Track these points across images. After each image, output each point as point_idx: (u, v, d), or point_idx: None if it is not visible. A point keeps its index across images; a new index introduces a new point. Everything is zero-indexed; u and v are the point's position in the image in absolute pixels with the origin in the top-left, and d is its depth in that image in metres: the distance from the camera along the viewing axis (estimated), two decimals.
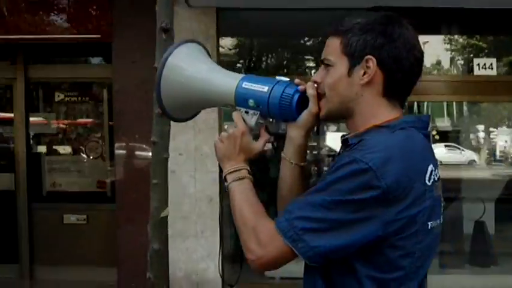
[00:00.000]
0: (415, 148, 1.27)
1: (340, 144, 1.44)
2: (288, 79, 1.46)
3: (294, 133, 1.44)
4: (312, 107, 1.40)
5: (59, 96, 5.99)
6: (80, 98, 6.01)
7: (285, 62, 6.77)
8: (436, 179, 1.29)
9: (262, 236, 1.27)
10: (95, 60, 6.14)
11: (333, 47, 1.36)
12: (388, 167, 1.19)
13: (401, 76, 1.32)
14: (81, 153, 5.92)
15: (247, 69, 6.25)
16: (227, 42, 6.04)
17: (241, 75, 1.48)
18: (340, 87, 1.35)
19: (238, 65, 6.30)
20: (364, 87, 1.33)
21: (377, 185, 1.17)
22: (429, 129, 1.38)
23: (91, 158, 5.83)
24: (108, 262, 5.36)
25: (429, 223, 1.28)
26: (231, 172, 1.43)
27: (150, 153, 2.78)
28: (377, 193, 1.18)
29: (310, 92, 1.39)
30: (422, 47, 1.35)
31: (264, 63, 6.55)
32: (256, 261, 1.28)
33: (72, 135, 6.07)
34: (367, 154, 1.20)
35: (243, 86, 1.45)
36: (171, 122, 2.67)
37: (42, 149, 6.01)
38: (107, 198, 5.62)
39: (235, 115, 1.46)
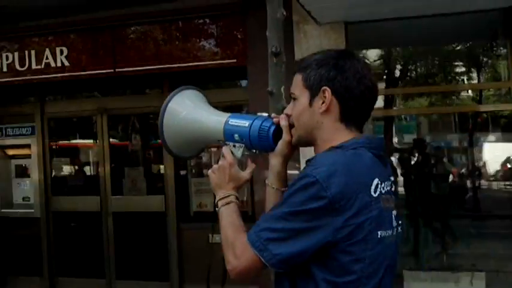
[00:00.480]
0: (359, 164, 1.45)
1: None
2: (266, 114, 1.71)
3: (274, 161, 1.66)
4: (284, 136, 1.62)
5: None
6: None
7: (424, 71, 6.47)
8: (383, 192, 1.47)
9: (237, 249, 1.48)
10: (232, 84, 6.37)
11: (297, 82, 1.60)
12: (332, 179, 1.39)
13: (353, 103, 1.53)
14: None
15: (387, 80, 6.07)
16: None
17: (228, 114, 1.72)
18: (304, 117, 1.58)
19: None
20: (323, 115, 1.56)
21: (324, 195, 1.38)
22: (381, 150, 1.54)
23: None
24: (253, 280, 5.46)
25: (378, 232, 1.44)
26: (221, 199, 1.66)
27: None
28: (324, 203, 1.38)
29: (283, 123, 1.63)
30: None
31: (402, 73, 6.31)
32: (232, 271, 1.50)
33: (216, 157, 6.30)
34: (315, 169, 1.42)
35: (230, 123, 1.70)
36: None
37: (188, 171, 6.31)
38: (249, 217, 5.75)
39: (224, 149, 1.70)
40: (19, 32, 6.40)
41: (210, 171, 1.71)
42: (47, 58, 6.20)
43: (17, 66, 6.29)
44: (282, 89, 2.59)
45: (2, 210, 7.13)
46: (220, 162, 1.69)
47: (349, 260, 1.41)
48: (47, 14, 6.21)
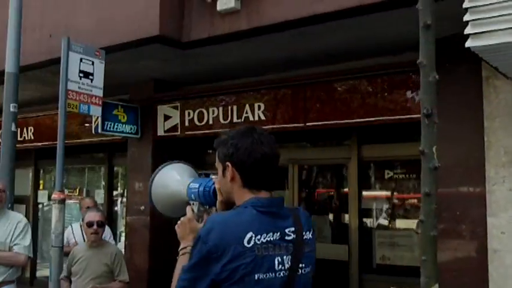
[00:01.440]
0: (236, 221, 1.94)
1: None
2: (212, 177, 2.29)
3: None
4: (218, 196, 2.17)
5: (388, 174, 6.49)
6: (407, 175, 6.43)
7: None
8: (260, 242, 1.91)
9: None
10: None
11: (216, 157, 2.15)
12: (209, 235, 1.89)
13: (248, 173, 2.03)
14: (410, 229, 6.28)
15: None
16: None
17: (191, 179, 2.38)
18: (222, 185, 2.13)
19: None
20: (231, 183, 2.07)
21: (203, 248, 1.89)
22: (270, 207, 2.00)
23: (419, 233, 6.11)
24: None
25: (256, 275, 1.88)
26: (181, 249, 2.19)
27: None
28: (204, 254, 1.89)
29: (216, 186, 2.18)
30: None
31: None
32: None
33: (400, 210, 6.49)
34: (202, 228, 1.97)
35: (189, 186, 2.32)
36: None
37: (372, 222, 6.58)
38: None
39: (187, 207, 2.29)
40: (221, 90, 7.37)
41: (176, 225, 2.27)
42: (246, 112, 6.99)
43: (221, 120, 7.20)
44: (434, 149, 2.84)
45: None
46: (182, 219, 2.26)
47: None
48: (245, 73, 7.13)
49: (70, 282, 5.12)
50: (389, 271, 6.60)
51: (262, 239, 1.93)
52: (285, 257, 1.97)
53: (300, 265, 2.02)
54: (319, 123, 6.67)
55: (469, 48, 4.17)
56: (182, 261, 2.09)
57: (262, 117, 7.09)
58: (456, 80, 5.57)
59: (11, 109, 6.10)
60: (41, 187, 11.27)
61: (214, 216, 2.03)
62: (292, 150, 7.78)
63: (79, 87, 5.67)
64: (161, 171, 2.49)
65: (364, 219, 6.97)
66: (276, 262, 1.94)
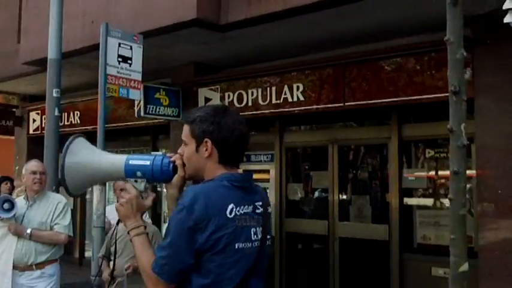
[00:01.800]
0: (217, 192, 2.01)
1: None
2: (161, 153, 2.26)
3: (172, 191, 2.20)
4: (180, 172, 2.16)
5: (429, 153, 6.44)
6: (448, 154, 6.30)
7: None
8: (239, 213, 2.01)
9: (152, 278, 2.01)
10: None
11: (186, 131, 2.16)
12: (195, 206, 1.95)
13: (228, 150, 2.10)
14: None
15: None
16: None
17: (124, 156, 2.25)
18: (193, 160, 2.14)
19: None
20: (206, 159, 2.11)
21: (190, 218, 1.94)
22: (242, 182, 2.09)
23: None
24: None
25: (236, 244, 1.99)
26: (132, 228, 2.16)
27: None
28: (190, 225, 1.94)
29: (179, 162, 2.16)
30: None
31: None
32: None
33: (441, 190, 6.43)
34: (183, 199, 2.00)
35: (130, 163, 2.20)
36: None
37: (413, 202, 6.55)
38: (473, 253, 5.72)
39: (127, 185, 2.21)
40: (261, 72, 7.43)
41: (117, 204, 2.21)
42: (285, 93, 7.05)
43: (260, 101, 7.26)
44: (463, 126, 2.84)
45: None
46: (127, 196, 2.18)
47: (213, 265, 1.97)
48: (283, 54, 7.16)
49: (109, 261, 5.28)
50: (430, 251, 6.56)
51: (241, 210, 2.04)
52: (257, 228, 2.09)
53: (268, 236, 2.14)
54: (359, 102, 6.65)
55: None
56: (140, 241, 2.12)
57: (301, 98, 7.11)
58: (498, 55, 5.48)
59: (54, 94, 6.30)
60: None
61: (196, 187, 2.05)
62: (332, 131, 7.78)
63: (118, 72, 5.82)
64: (74, 147, 2.32)
65: (405, 199, 6.91)
66: (252, 232, 2.06)
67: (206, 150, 2.10)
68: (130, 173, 2.20)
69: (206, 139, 2.09)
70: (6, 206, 4.73)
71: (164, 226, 8.60)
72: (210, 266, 1.97)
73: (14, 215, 4.73)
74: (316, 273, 7.71)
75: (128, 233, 2.17)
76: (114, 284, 4.86)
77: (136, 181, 2.22)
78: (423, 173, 6.82)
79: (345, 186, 7.62)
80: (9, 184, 8.00)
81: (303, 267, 7.91)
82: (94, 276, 5.62)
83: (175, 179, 2.17)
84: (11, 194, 7.92)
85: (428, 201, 6.86)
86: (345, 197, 7.54)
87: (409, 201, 6.94)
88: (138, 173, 2.19)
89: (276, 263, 7.95)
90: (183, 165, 2.16)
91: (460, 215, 3.08)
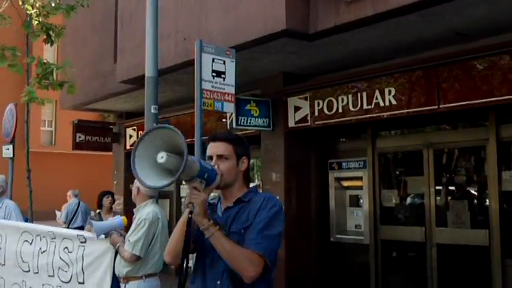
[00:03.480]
0: None
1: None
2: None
3: (206, 194, 2.56)
4: (218, 180, 2.63)
5: None
6: None
7: None
8: None
9: (255, 260, 2.52)
10: None
11: (228, 149, 2.73)
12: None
13: (249, 169, 2.84)
14: None
15: None
16: None
17: (194, 157, 2.49)
18: (232, 173, 2.74)
19: None
20: (240, 172, 2.77)
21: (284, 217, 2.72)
22: None
23: None
24: None
25: None
26: (212, 225, 2.52)
27: None
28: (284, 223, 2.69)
29: (219, 172, 2.64)
30: None
31: None
32: (253, 276, 2.50)
33: None
34: (277, 202, 2.70)
35: (203, 165, 2.51)
36: None
37: None
38: None
39: (198, 185, 2.50)
40: (351, 77, 7.54)
41: (195, 204, 2.49)
42: (376, 98, 7.14)
43: (351, 107, 7.39)
44: None
45: (337, 236, 8.30)
46: (203, 197, 2.50)
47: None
48: (372, 59, 7.24)
49: None
50: None
51: None
52: None
53: None
54: (455, 104, 6.56)
55: None
56: (222, 234, 2.53)
57: (394, 102, 7.11)
58: None
59: (152, 110, 6.67)
60: (182, 182, 12.11)
61: (270, 194, 2.81)
62: (426, 134, 7.73)
63: (212, 86, 6.10)
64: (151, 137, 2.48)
65: (505, 202, 6.76)
66: None
67: (242, 165, 2.77)
68: (202, 173, 2.50)
69: (244, 157, 2.78)
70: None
71: None
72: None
73: (100, 235, 5.06)
74: (413, 282, 7.65)
75: (207, 229, 2.51)
76: None
77: (201, 182, 2.51)
78: None
79: (442, 190, 7.52)
80: (110, 198, 8.51)
81: (400, 275, 7.88)
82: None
83: (214, 185, 2.62)
84: (112, 207, 8.48)
85: None
86: (441, 202, 7.46)
87: (510, 204, 6.79)
88: (206, 175, 2.52)
89: (372, 271, 7.97)
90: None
91: None
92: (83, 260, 5.17)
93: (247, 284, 2.53)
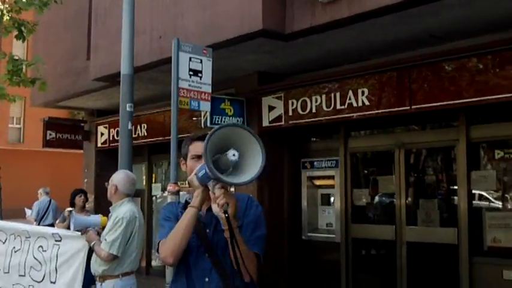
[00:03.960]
0: None
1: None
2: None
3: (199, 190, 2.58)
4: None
5: (498, 154, 6.45)
6: None
7: None
8: None
9: (254, 261, 2.58)
10: None
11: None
12: None
13: None
14: None
15: None
16: None
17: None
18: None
19: None
20: None
21: None
22: None
23: None
24: None
25: None
26: (238, 226, 2.53)
27: None
28: None
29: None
30: None
31: None
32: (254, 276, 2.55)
33: (511, 191, 6.42)
34: (254, 200, 2.76)
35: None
36: None
37: (482, 204, 6.63)
38: None
39: (225, 185, 2.45)
40: (324, 78, 7.60)
41: (229, 201, 2.42)
42: (349, 99, 7.21)
43: (324, 107, 7.44)
44: None
45: (309, 234, 8.35)
46: (234, 199, 2.44)
47: None
48: (347, 60, 7.33)
49: None
50: (501, 253, 6.51)
51: None
52: None
53: None
54: (426, 105, 6.67)
55: None
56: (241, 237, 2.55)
57: (367, 103, 7.18)
58: None
59: (127, 108, 6.61)
60: (153, 180, 12.06)
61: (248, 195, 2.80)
62: (398, 134, 7.83)
63: (189, 85, 6.09)
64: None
65: (474, 201, 6.89)
66: None
67: None
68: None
69: None
70: (72, 220, 5.02)
71: None
72: None
73: (80, 230, 4.98)
74: (384, 279, 7.75)
75: (234, 229, 2.44)
76: None
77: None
78: (492, 174, 6.78)
79: (412, 190, 7.63)
80: (83, 197, 8.37)
81: (370, 273, 7.97)
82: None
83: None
84: (84, 206, 8.35)
85: (498, 203, 6.82)
86: (411, 201, 7.56)
87: (478, 203, 6.92)
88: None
89: (342, 269, 8.04)
90: None
91: None
92: (56, 258, 5.13)
93: (240, 280, 2.50)
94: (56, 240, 5.19)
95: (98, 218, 5.16)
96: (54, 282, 5.08)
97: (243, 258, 2.43)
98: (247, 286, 2.55)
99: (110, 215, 4.93)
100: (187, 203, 2.68)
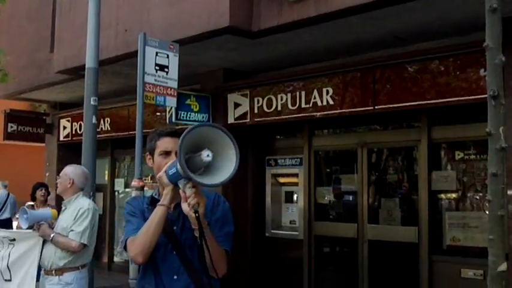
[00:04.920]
0: None
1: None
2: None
3: (171, 187, 2.49)
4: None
5: (458, 155, 6.52)
6: (478, 156, 6.45)
7: None
8: None
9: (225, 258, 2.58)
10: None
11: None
12: None
13: None
14: (481, 210, 6.29)
15: None
16: None
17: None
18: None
19: None
20: None
21: None
22: None
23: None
24: None
25: None
26: (208, 224, 2.50)
27: None
28: None
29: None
30: None
31: None
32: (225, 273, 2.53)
33: (470, 192, 6.50)
34: (221, 197, 2.73)
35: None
36: None
37: (442, 204, 6.81)
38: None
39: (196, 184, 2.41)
40: (290, 76, 7.58)
41: (200, 201, 2.38)
42: (314, 98, 7.19)
43: (289, 106, 7.43)
44: (501, 129, 2.95)
45: (272, 231, 8.33)
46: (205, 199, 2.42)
47: None
48: (313, 59, 7.33)
49: None
50: (460, 252, 6.64)
51: None
52: None
53: None
54: (389, 105, 6.74)
55: None
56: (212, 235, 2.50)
57: (331, 102, 7.23)
58: None
59: (92, 102, 6.50)
60: (116, 175, 11.89)
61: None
62: (361, 134, 7.90)
63: (155, 80, 6.02)
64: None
65: (434, 201, 6.99)
66: None
67: None
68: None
69: None
70: (25, 216, 4.91)
71: None
72: None
73: (33, 225, 4.88)
74: (345, 276, 7.82)
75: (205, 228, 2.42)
76: None
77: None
78: (452, 175, 6.89)
79: (374, 189, 7.72)
80: (44, 190, 8.19)
81: (332, 270, 8.04)
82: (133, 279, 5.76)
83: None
84: (46, 200, 8.16)
85: (457, 204, 6.93)
86: (373, 199, 7.66)
87: (438, 203, 7.03)
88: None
89: (305, 266, 8.09)
90: None
91: (498, 216, 3.18)
92: (9, 257, 5.05)
93: (207, 277, 2.47)
94: (10, 240, 5.12)
95: (48, 211, 5.14)
96: (9, 280, 5.01)
97: (211, 257, 2.39)
98: (212, 282, 2.51)
99: (63, 208, 4.92)
100: (154, 198, 2.65)
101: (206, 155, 2.27)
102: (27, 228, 5.01)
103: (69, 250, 4.69)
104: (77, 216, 4.73)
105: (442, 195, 7.04)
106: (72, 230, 4.70)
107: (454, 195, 6.95)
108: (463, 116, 6.81)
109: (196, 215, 2.31)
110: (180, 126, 7.86)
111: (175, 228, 2.59)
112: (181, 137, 2.23)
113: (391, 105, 6.74)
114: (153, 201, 2.62)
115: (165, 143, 2.62)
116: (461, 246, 6.65)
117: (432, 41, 6.59)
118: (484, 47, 2.96)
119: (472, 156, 6.78)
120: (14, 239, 5.11)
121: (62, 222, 4.81)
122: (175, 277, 2.56)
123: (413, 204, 7.25)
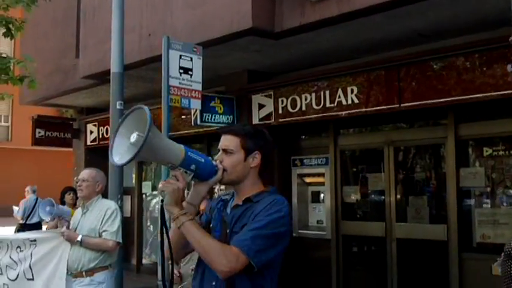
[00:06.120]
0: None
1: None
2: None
3: (203, 188, 2.46)
4: (219, 175, 2.43)
5: (487, 151, 6.49)
6: (507, 152, 6.40)
7: None
8: None
9: (229, 255, 2.27)
10: None
11: (234, 142, 2.47)
12: (291, 214, 2.45)
13: (267, 164, 2.55)
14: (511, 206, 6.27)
15: None
16: None
17: (181, 145, 2.35)
18: (239, 168, 2.48)
19: None
20: (251, 169, 2.50)
21: (287, 224, 2.40)
22: None
23: None
24: None
25: None
26: (183, 214, 2.34)
27: None
28: (286, 229, 2.40)
29: (220, 167, 2.44)
30: None
31: None
32: (227, 272, 2.28)
33: (500, 188, 6.45)
34: (284, 207, 2.40)
35: (189, 155, 2.33)
36: None
37: (471, 201, 6.63)
38: None
39: (179, 173, 2.33)
40: (314, 76, 7.61)
41: (169, 189, 2.32)
42: (339, 97, 7.20)
43: (314, 105, 7.45)
44: None
45: (299, 231, 8.36)
46: (180, 185, 2.32)
47: (279, 263, 2.48)
48: (336, 58, 7.37)
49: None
50: (490, 249, 6.53)
51: None
52: None
53: None
54: (415, 103, 6.71)
55: None
56: (196, 225, 2.36)
57: (356, 101, 7.21)
58: None
59: (118, 107, 6.58)
60: (143, 178, 12.02)
61: (285, 200, 2.47)
62: (387, 132, 7.88)
63: (180, 83, 6.09)
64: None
65: (463, 198, 6.95)
66: None
67: (253, 161, 2.50)
68: (186, 163, 2.34)
69: (257, 152, 2.50)
70: (48, 209, 5.02)
71: None
72: (278, 263, 2.47)
73: (54, 217, 5.01)
74: (374, 276, 7.81)
75: (177, 218, 2.34)
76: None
77: (186, 172, 2.35)
78: (481, 171, 6.83)
79: (402, 187, 7.69)
80: (72, 194, 8.34)
81: (360, 269, 8.02)
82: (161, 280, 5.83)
83: (214, 180, 2.44)
84: (75, 204, 8.31)
85: (487, 200, 6.87)
86: (401, 198, 7.62)
87: (467, 200, 6.97)
88: (193, 166, 2.35)
89: (333, 266, 8.08)
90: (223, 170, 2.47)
91: None
92: (31, 257, 5.16)
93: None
94: (31, 241, 5.24)
95: (68, 209, 5.33)
96: (32, 279, 5.11)
97: (170, 246, 2.41)
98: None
99: (85, 210, 5.05)
100: (222, 200, 2.64)
101: (132, 137, 2.25)
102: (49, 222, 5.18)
103: (106, 250, 4.87)
104: (105, 216, 4.90)
105: (471, 192, 6.99)
106: (105, 231, 4.86)
107: (483, 191, 6.89)
108: (490, 112, 6.73)
109: (161, 203, 2.35)
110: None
111: (227, 231, 2.49)
112: (118, 125, 2.35)
113: (417, 103, 6.69)
114: (221, 202, 2.62)
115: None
116: (491, 244, 6.57)
117: (457, 38, 6.53)
118: (510, 42, 2.96)
119: (501, 152, 6.71)
120: (35, 240, 5.22)
121: (87, 223, 4.94)
122: (213, 283, 2.43)
123: (441, 201, 7.20)
